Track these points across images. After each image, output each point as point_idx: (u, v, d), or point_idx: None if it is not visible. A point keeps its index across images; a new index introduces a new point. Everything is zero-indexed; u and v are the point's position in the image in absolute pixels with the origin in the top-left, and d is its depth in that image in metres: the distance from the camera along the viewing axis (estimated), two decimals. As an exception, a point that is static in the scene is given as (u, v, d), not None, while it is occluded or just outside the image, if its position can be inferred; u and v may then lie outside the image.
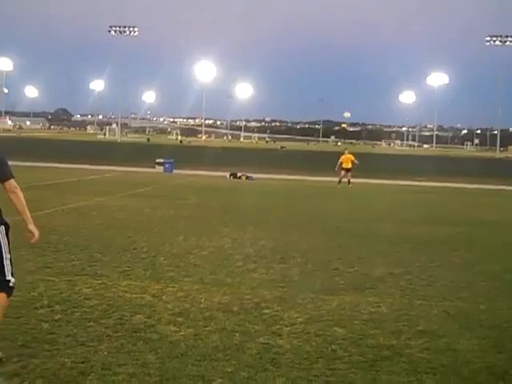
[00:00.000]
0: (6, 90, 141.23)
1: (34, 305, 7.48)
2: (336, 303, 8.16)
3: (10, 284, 5.56)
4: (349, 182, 30.80)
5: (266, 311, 7.65)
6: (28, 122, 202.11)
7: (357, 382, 5.49)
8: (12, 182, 5.56)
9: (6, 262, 5.53)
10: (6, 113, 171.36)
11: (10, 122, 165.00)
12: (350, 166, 31.19)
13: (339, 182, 30.96)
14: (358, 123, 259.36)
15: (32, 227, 5.71)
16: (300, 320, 7.31)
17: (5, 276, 5.52)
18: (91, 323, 6.84)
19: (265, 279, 9.43)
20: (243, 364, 5.78)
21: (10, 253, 5.60)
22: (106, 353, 5.91)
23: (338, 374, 5.64)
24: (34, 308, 7.34)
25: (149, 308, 7.54)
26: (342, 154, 32.41)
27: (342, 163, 31.26)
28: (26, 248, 10.87)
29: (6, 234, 5.59)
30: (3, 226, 5.55)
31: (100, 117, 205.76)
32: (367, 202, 24.20)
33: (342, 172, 31.19)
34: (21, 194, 5.57)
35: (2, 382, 5.08)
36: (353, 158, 31.53)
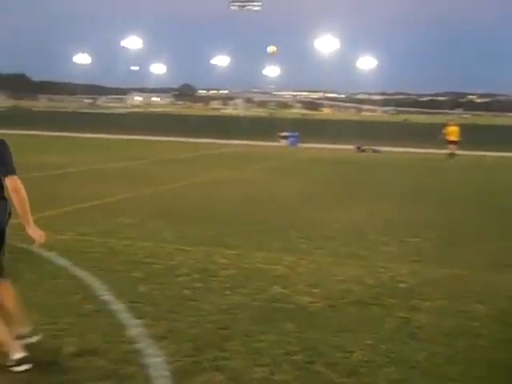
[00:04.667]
0: (136, 68, 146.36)
1: (174, 273, 7.79)
2: (473, 280, 7.93)
3: None
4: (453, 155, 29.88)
5: (400, 285, 7.56)
6: (155, 98, 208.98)
7: (499, 360, 5.32)
8: (14, 178, 4.73)
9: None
10: (135, 89, 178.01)
11: (139, 98, 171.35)
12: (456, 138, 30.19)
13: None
14: (487, 94, 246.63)
15: (31, 231, 4.82)
16: (438, 296, 7.16)
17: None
18: (229, 292, 7.04)
19: (398, 253, 9.30)
20: (382, 337, 5.76)
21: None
22: (246, 320, 6.07)
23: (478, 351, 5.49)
24: (174, 276, 7.65)
25: (284, 279, 7.66)
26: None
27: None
28: (161, 219, 11.37)
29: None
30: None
31: (225, 91, 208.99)
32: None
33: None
34: (23, 194, 4.75)
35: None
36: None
